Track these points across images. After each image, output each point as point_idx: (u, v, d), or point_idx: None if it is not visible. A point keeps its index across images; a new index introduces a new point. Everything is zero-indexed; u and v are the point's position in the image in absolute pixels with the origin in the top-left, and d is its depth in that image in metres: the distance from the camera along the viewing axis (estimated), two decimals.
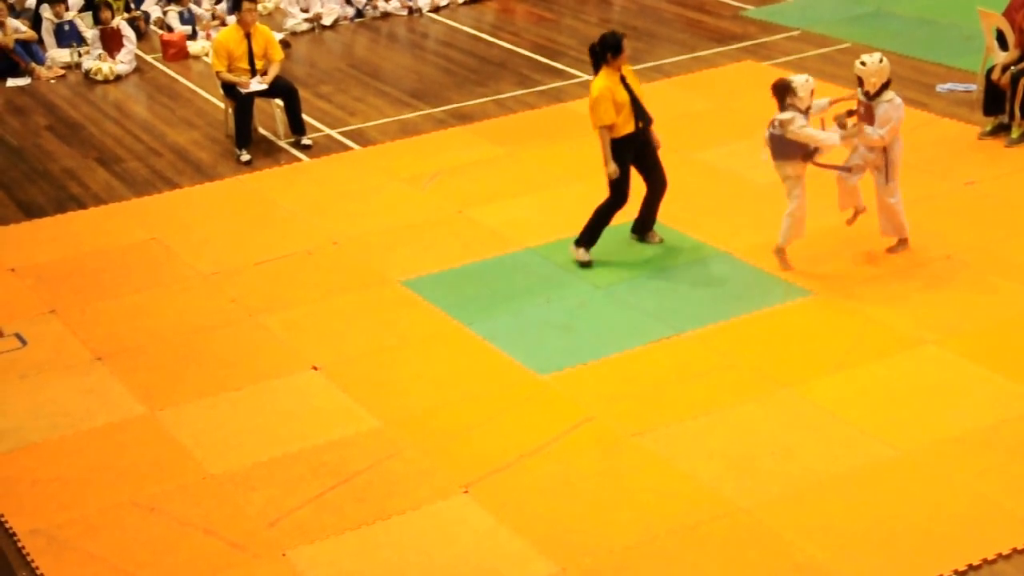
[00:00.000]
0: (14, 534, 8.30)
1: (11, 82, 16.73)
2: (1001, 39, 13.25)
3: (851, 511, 7.94)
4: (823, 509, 7.98)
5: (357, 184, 13.07)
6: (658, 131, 11.10)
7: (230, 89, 13.91)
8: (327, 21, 18.20)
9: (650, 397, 9.21)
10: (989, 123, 12.97)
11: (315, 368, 9.90)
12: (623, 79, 10.81)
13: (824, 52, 15.69)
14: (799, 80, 10.34)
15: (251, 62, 13.81)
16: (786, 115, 10.26)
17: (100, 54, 16.84)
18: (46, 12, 17.49)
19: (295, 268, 11.46)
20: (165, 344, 10.39)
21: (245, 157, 13.76)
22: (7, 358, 10.34)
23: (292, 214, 12.48)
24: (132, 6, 18.36)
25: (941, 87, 14.27)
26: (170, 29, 17.92)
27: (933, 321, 9.88)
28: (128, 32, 17.01)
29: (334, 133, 14.43)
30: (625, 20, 17.61)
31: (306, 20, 18.08)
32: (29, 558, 8.07)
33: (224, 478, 8.68)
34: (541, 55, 16.51)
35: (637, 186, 11.11)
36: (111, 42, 16.86)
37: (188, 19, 18.04)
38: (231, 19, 14.89)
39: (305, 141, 14.08)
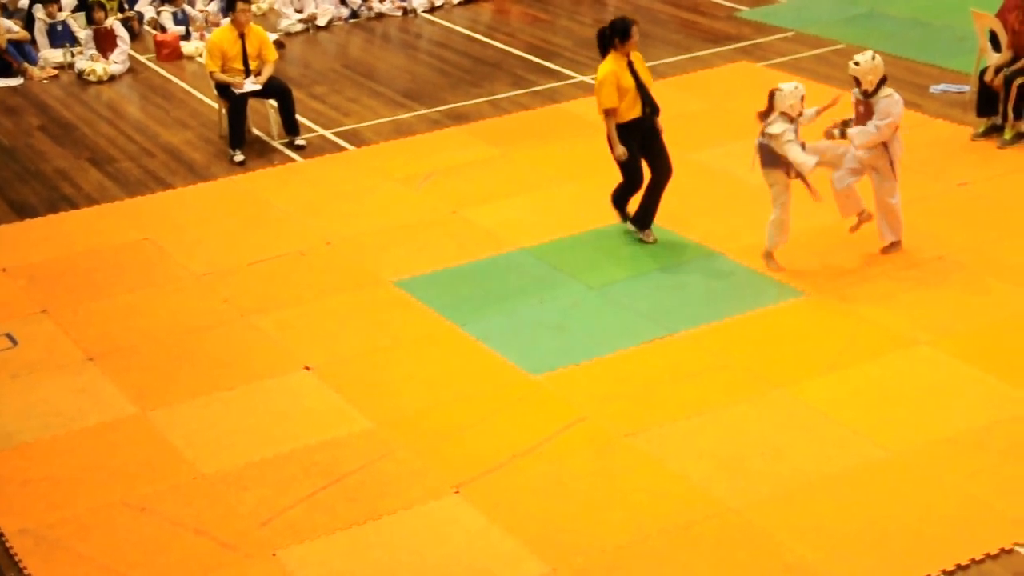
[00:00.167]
0: (2, 534, 8.28)
1: (3, 82, 16.68)
2: (994, 40, 13.24)
3: (842, 511, 7.94)
4: (814, 509, 7.98)
5: (351, 184, 13.06)
6: None
7: (224, 89, 13.90)
8: (321, 22, 18.18)
9: (642, 397, 9.21)
10: (982, 124, 12.98)
11: (308, 368, 9.89)
12: (631, 65, 10.85)
13: (818, 53, 15.70)
14: (788, 87, 10.40)
15: (245, 62, 13.80)
16: (776, 128, 10.32)
17: (93, 54, 16.81)
18: (39, 12, 17.45)
19: (288, 268, 11.45)
20: (157, 344, 10.38)
21: (239, 157, 13.75)
22: None
23: (285, 214, 12.47)
24: (126, 6, 18.33)
25: (934, 88, 14.28)
26: (164, 29, 17.90)
27: (926, 322, 9.89)
28: (121, 32, 16.98)
29: (328, 134, 14.42)
30: None
31: (300, 21, 18.06)
32: (17, 558, 8.05)
33: (216, 478, 8.67)
34: (536, 56, 16.50)
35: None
36: (104, 42, 16.84)
37: (182, 19, 18.01)
38: (225, 21, 14.87)
39: (299, 141, 14.07)
